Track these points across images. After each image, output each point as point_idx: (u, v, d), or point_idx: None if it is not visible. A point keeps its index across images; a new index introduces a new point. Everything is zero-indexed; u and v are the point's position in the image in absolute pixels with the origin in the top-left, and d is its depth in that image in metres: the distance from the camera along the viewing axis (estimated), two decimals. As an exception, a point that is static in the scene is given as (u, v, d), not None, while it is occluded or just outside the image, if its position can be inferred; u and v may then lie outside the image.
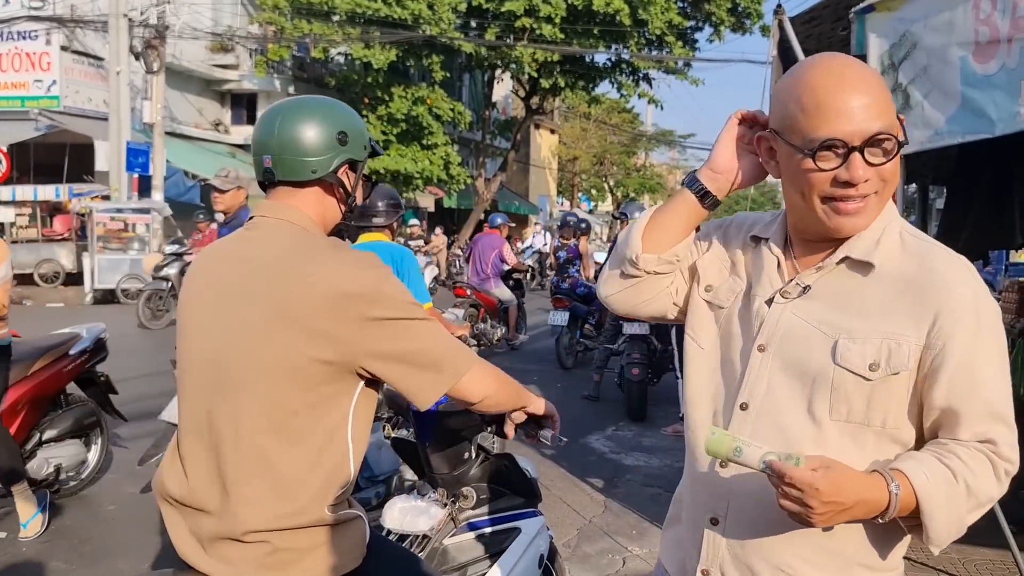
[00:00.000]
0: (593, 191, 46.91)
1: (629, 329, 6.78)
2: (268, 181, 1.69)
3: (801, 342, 1.34)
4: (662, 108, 35.03)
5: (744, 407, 1.38)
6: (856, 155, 1.25)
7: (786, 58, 3.59)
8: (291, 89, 22.75)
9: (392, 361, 1.56)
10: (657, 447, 6.07)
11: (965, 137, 3.10)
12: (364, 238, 3.81)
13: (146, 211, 15.31)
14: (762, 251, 1.43)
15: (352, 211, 1.76)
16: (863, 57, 3.38)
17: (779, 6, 3.57)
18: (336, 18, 20.46)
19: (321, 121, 1.66)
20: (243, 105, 22.80)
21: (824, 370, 1.31)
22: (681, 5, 23.96)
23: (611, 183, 44.29)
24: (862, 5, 3.34)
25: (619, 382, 7.18)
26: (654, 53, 24.33)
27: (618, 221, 9.69)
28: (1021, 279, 9.49)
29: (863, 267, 1.33)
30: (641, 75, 25.17)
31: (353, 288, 1.52)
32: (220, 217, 5.45)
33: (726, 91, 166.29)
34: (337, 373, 1.55)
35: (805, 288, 1.37)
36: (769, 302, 1.39)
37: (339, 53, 21.95)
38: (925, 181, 9.24)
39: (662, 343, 6.93)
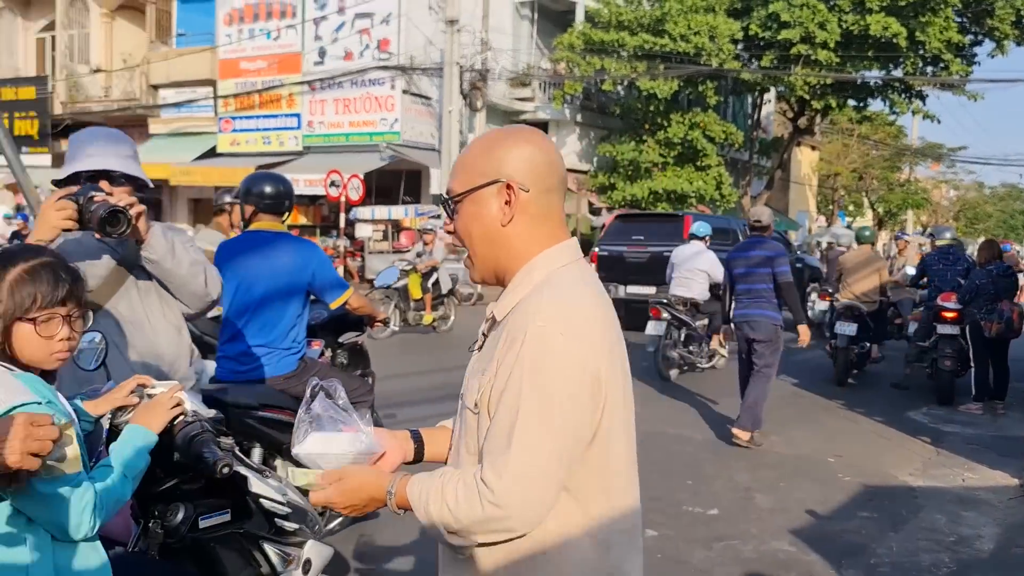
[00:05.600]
0: (852, 207, 46.25)
1: (943, 329, 8.25)
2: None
3: (468, 386, 1.51)
4: (938, 122, 34.30)
5: (453, 447, 1.59)
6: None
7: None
8: (578, 117, 25.40)
9: None
10: (968, 422, 7.55)
11: None
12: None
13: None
14: None
15: None
16: None
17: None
18: (624, 54, 22.80)
19: None
20: (535, 133, 25.73)
21: (463, 411, 1.51)
22: (960, 21, 23.99)
23: (872, 199, 43.57)
24: None
25: (930, 372, 8.64)
26: (929, 70, 24.52)
27: (930, 239, 11.02)
28: None
29: (496, 321, 1.51)
30: (914, 92, 25.38)
31: None
32: None
33: (1003, 101, 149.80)
34: None
35: (484, 340, 1.55)
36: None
37: (622, 85, 24.26)
38: None
39: (966, 343, 8.30)
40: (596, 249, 13.61)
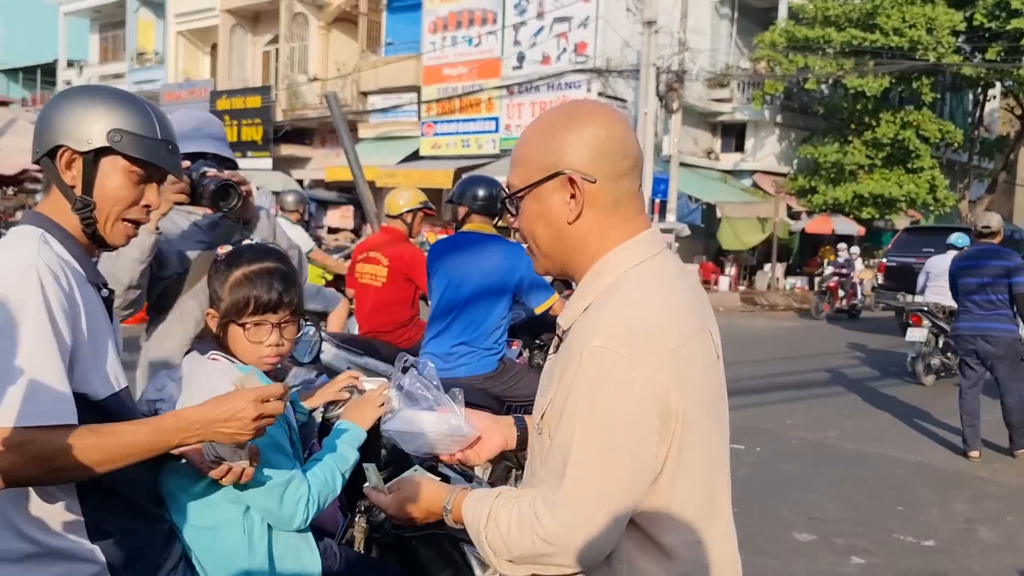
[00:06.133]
0: (1090, 213, 41.52)
1: None
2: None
3: (538, 400, 1.41)
4: None
5: (529, 458, 1.49)
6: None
7: None
8: (778, 118, 24.43)
9: None
10: None
11: None
12: None
13: (669, 231, 18.11)
14: None
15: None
16: None
17: None
18: (830, 50, 21.68)
19: None
20: (732, 134, 25.02)
21: (532, 426, 1.41)
22: None
23: (1116, 204, 38.96)
24: None
25: None
26: None
27: None
28: None
29: (563, 330, 1.38)
30: None
31: None
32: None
33: None
34: None
35: (559, 343, 1.40)
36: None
37: (826, 84, 23.08)
38: None
39: None
40: (884, 260, 15.16)
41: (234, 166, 2.75)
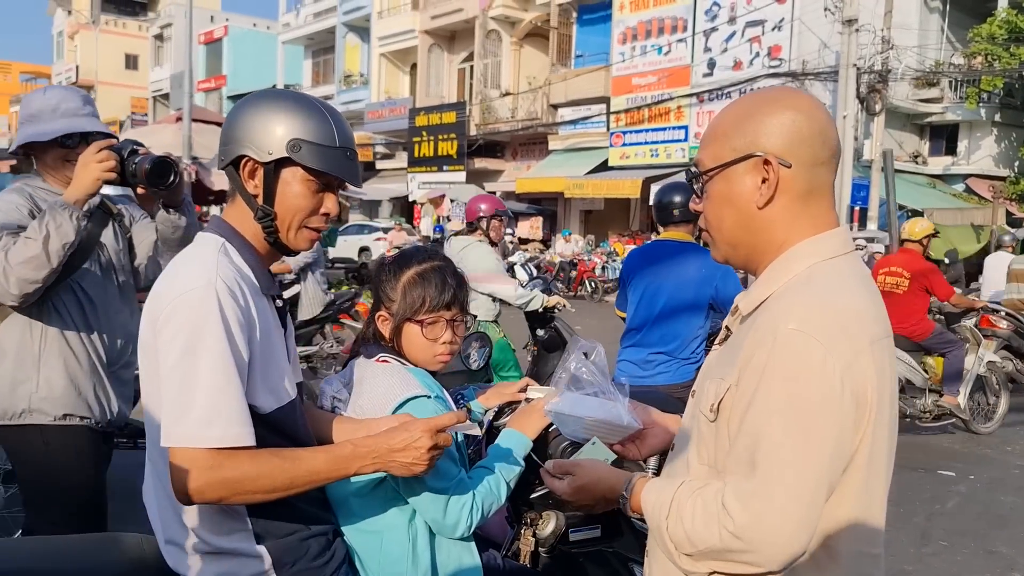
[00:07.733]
0: None
1: None
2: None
3: (702, 387, 1.35)
4: None
5: (672, 447, 1.48)
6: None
7: None
8: (996, 117, 22.56)
9: None
10: None
11: None
12: None
13: (870, 239, 17.19)
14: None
15: None
16: None
17: None
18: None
19: None
20: (942, 136, 23.37)
21: (696, 415, 1.34)
22: None
23: None
24: None
25: None
26: None
27: None
28: None
29: (743, 315, 1.34)
30: None
31: None
32: None
33: None
34: None
35: (728, 334, 1.38)
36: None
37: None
38: None
39: None
40: None
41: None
